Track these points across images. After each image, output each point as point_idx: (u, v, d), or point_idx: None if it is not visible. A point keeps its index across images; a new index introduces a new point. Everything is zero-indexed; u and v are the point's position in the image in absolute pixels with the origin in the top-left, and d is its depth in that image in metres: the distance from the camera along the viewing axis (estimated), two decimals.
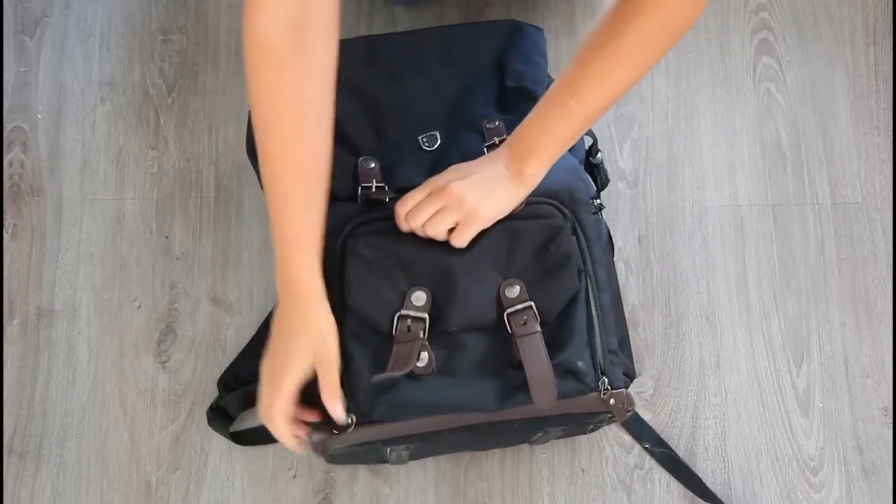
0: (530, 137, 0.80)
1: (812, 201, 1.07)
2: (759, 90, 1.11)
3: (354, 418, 0.80)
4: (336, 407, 0.78)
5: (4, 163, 1.09)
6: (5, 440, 1.00)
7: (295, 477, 0.98)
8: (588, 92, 0.77)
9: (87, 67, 1.12)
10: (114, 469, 0.99)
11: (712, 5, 1.14)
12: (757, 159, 1.09)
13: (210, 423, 0.98)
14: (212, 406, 0.98)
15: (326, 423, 0.80)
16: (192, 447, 0.99)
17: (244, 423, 0.99)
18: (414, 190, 0.82)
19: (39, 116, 1.10)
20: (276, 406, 0.78)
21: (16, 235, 1.06)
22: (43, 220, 1.07)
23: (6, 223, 1.07)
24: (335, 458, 0.88)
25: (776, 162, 1.09)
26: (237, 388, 0.98)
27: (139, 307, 1.04)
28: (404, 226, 0.82)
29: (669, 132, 1.10)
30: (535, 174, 0.80)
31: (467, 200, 0.79)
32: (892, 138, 1.09)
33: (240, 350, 1.00)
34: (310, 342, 0.77)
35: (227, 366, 1.00)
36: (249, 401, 0.98)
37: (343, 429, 0.79)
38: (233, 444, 0.99)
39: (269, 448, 0.99)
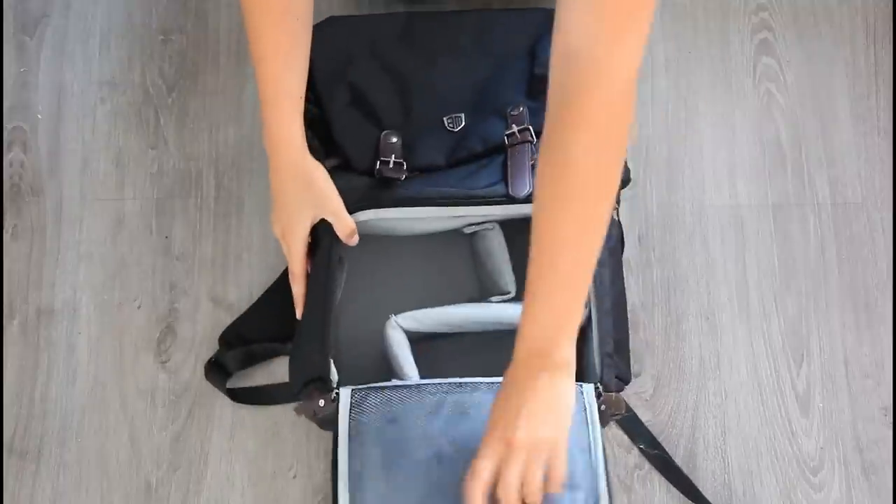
0: (543, 326, 0.71)
1: (812, 201, 1.07)
2: (759, 90, 1.11)
3: (337, 393, 0.81)
4: (353, 239, 0.87)
5: (4, 163, 1.09)
6: (5, 440, 0.99)
7: (295, 477, 0.98)
8: (569, 244, 0.69)
9: (87, 67, 1.12)
10: (114, 469, 0.99)
11: (712, 5, 1.14)
12: (757, 159, 1.09)
13: (207, 376, 0.99)
14: (211, 360, 0.99)
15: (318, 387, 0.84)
16: (192, 447, 0.99)
17: (242, 381, 1.00)
18: (477, 461, 0.70)
19: (39, 116, 1.10)
20: (296, 261, 0.87)
21: (16, 235, 1.06)
22: (43, 220, 1.07)
23: (6, 223, 1.07)
24: (324, 424, 0.89)
25: (776, 162, 1.09)
26: (238, 346, 0.99)
27: (139, 307, 1.04)
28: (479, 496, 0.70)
29: (669, 132, 1.09)
30: (570, 354, 0.72)
31: (542, 442, 0.70)
32: (892, 138, 1.09)
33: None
34: (306, 197, 0.84)
35: (231, 323, 1.01)
36: (249, 361, 1.00)
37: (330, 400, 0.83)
38: (233, 444, 0.99)
39: (269, 448, 0.99)
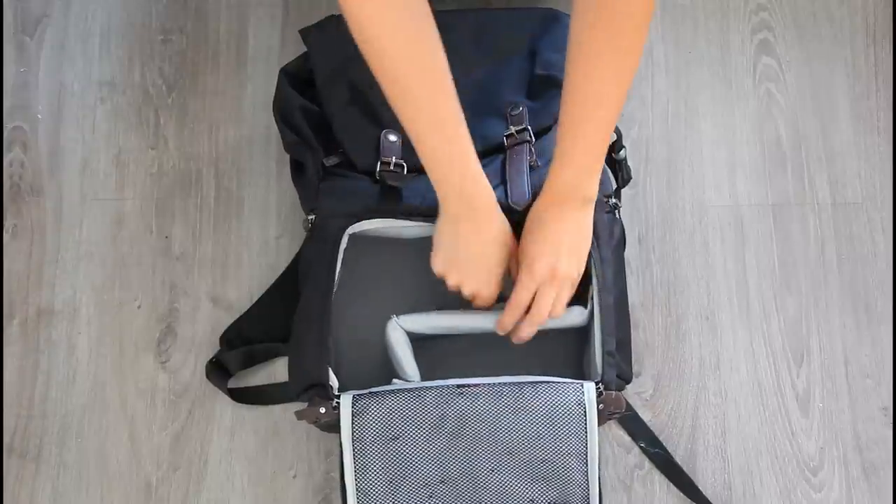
0: (578, 166, 0.80)
1: (812, 201, 1.07)
2: (759, 90, 1.11)
3: (338, 401, 0.81)
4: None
5: (4, 163, 1.09)
6: (5, 440, 1.00)
7: (295, 477, 0.98)
8: (607, 93, 0.77)
9: (87, 67, 1.12)
10: (114, 469, 0.99)
11: (712, 5, 1.14)
12: (757, 159, 1.09)
13: (208, 376, 0.99)
14: (212, 360, 0.99)
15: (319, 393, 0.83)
16: (192, 447, 0.99)
17: (243, 381, 1.01)
18: (518, 292, 0.84)
19: (39, 116, 1.10)
20: (489, 302, 0.88)
21: (16, 235, 1.06)
22: (43, 220, 1.07)
23: (6, 223, 1.07)
24: (326, 429, 0.89)
25: (776, 162, 1.09)
26: (239, 346, 0.99)
27: (139, 307, 1.04)
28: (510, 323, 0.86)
29: (669, 132, 1.10)
30: (595, 190, 0.83)
31: (576, 274, 0.84)
32: (892, 138, 1.09)
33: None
34: (505, 248, 0.85)
35: (232, 322, 1.01)
36: (250, 361, 1.00)
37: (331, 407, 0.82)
38: (233, 444, 0.99)
39: (269, 448, 0.99)
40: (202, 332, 1.02)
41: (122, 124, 1.10)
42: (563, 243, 0.83)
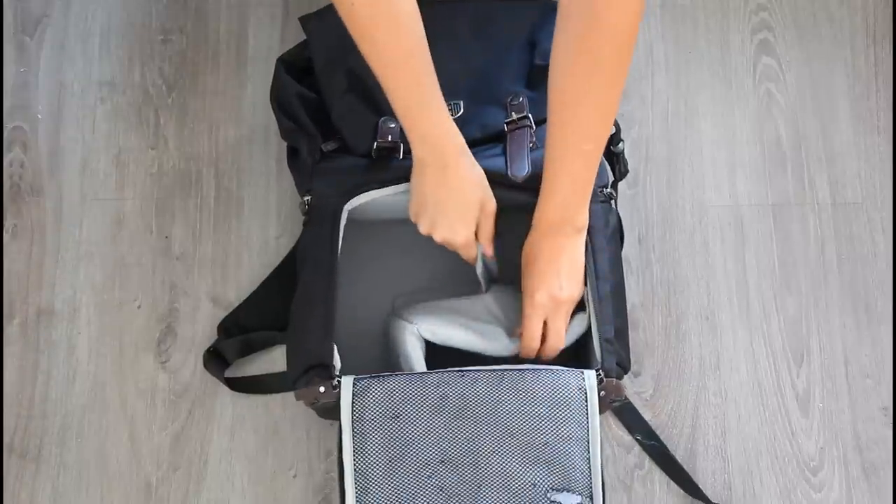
0: (566, 198, 0.82)
1: (812, 201, 1.07)
2: (759, 90, 1.11)
3: (339, 381, 0.81)
4: (490, 249, 0.89)
5: (4, 163, 1.09)
6: (5, 440, 1.00)
7: (295, 477, 0.98)
8: (592, 127, 0.78)
9: (87, 67, 1.12)
10: (114, 469, 0.99)
11: (712, 5, 1.14)
12: (757, 159, 1.09)
13: (206, 365, 0.99)
14: (209, 349, 0.99)
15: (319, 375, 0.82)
16: (192, 447, 0.99)
17: (241, 370, 1.01)
18: (528, 323, 0.86)
19: (39, 116, 1.10)
20: (470, 254, 0.89)
21: (16, 235, 1.06)
22: (43, 220, 1.07)
23: (6, 223, 1.07)
24: (324, 413, 0.89)
25: (776, 162, 1.09)
26: (237, 334, 0.99)
27: (139, 307, 1.04)
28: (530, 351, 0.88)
29: (669, 132, 1.10)
30: (586, 219, 0.85)
31: (576, 297, 0.86)
32: (892, 138, 1.09)
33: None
34: (473, 193, 0.85)
35: (230, 311, 1.01)
36: (247, 349, 1.00)
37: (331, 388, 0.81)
38: (233, 444, 0.99)
39: (269, 448, 0.99)
40: (202, 332, 1.02)
41: (122, 124, 1.10)
42: (560, 271, 0.85)
